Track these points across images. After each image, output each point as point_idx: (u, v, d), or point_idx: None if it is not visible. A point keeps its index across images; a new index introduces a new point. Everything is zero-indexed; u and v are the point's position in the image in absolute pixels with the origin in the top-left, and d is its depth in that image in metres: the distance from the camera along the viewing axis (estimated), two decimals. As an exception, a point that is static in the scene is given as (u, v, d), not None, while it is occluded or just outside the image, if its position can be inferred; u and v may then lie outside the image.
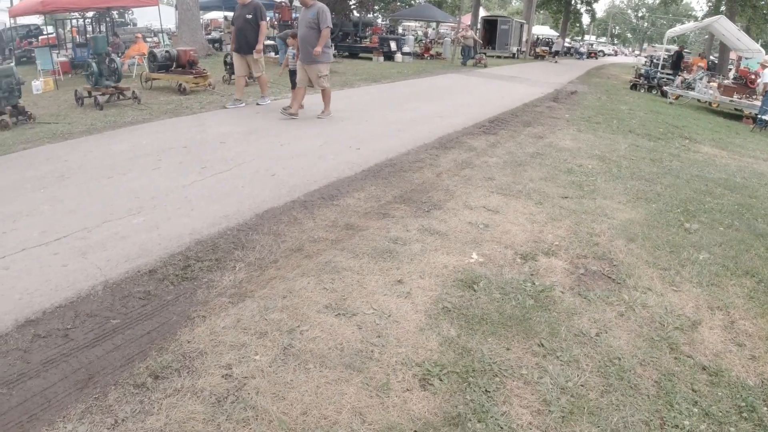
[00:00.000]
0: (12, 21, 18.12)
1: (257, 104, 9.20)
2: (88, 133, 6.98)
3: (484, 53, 25.59)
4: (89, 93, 9.20)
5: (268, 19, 8.34)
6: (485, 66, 22.88)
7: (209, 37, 22.61)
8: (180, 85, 10.26)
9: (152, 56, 10.89)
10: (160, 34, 22.76)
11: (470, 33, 25.20)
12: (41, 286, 3.11)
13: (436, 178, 5.37)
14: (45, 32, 19.43)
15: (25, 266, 3.34)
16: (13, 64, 11.30)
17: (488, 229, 4.14)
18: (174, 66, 10.83)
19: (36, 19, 19.19)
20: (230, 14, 26.44)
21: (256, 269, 3.31)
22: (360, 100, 10.16)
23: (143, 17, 37.73)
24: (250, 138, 6.49)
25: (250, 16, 8.32)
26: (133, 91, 9.09)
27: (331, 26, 7.47)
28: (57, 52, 14.45)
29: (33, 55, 14.39)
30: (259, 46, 8.40)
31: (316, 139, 6.56)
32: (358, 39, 24.13)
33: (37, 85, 11.45)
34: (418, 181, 5.22)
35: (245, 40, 8.45)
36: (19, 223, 4.00)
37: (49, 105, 9.63)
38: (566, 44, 45.77)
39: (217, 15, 31.23)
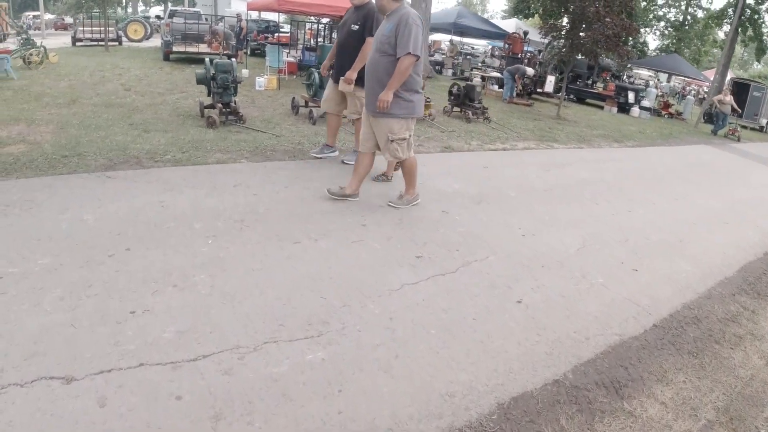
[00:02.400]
0: (257, 14, 19.06)
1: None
2: (291, 157, 5.93)
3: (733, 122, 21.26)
4: (306, 103, 8.41)
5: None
6: (738, 139, 18.84)
7: (431, 59, 21.87)
8: (399, 110, 9.06)
9: (377, 73, 9.90)
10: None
11: (729, 98, 21.10)
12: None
13: (773, 368, 3.14)
14: (280, 30, 20.22)
15: (122, 416, 1.98)
16: (235, 58, 11.14)
17: None
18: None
19: (276, 17, 20.06)
20: (457, 39, 25.65)
21: None
22: (611, 168, 7.98)
23: (373, 29, 39.12)
24: (479, 210, 4.81)
25: (356, 27, 5.16)
26: (350, 110, 8.06)
27: (419, 54, 4.03)
28: (287, 51, 14.49)
29: (266, 49, 14.63)
30: (352, 74, 5.06)
31: (570, 231, 4.65)
32: (589, 83, 21.60)
33: (261, 81, 11.26)
34: (742, 371, 3.06)
35: (345, 60, 5.29)
36: (158, 299, 2.75)
37: (265, 106, 9.09)
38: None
39: (443, 37, 30.75)
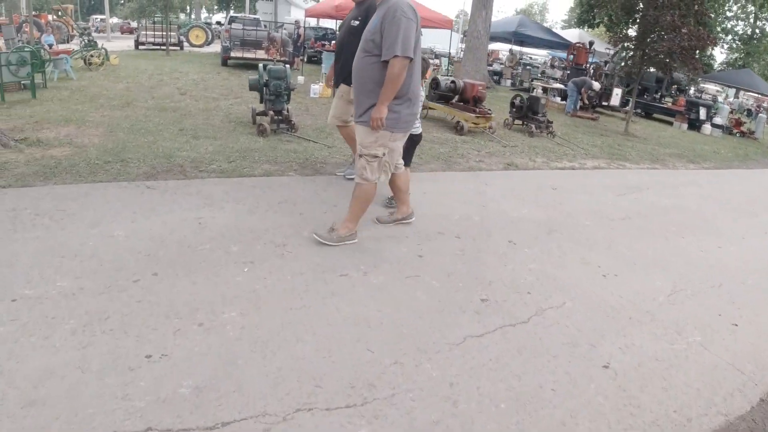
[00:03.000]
0: (316, 22, 18.99)
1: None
2: (342, 168, 5.52)
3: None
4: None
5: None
6: (817, 163, 17.28)
7: (490, 68, 21.22)
8: (458, 122, 8.57)
9: (435, 83, 9.44)
10: (442, 58, 22.21)
11: (808, 118, 19.48)
12: None
13: None
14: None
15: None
16: (291, 64, 10.94)
17: None
18: (456, 99, 9.22)
19: (333, 24, 19.96)
20: (517, 49, 24.88)
21: None
22: (691, 193, 7.20)
23: (427, 38, 38.50)
24: (550, 242, 4.24)
25: (357, 23, 4.35)
26: (405, 121, 7.60)
27: (411, 55, 3.17)
28: (344, 58, 14.23)
29: (322, 56, 14.46)
30: None
31: (656, 271, 4.00)
32: (657, 97, 20.39)
33: (316, 89, 11.01)
34: None
35: (346, 60, 4.31)
36: (180, 341, 2.36)
37: (318, 114, 8.78)
38: None
39: (501, 47, 29.96)
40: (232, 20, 18.78)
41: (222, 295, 2.75)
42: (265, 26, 18.69)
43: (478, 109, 8.66)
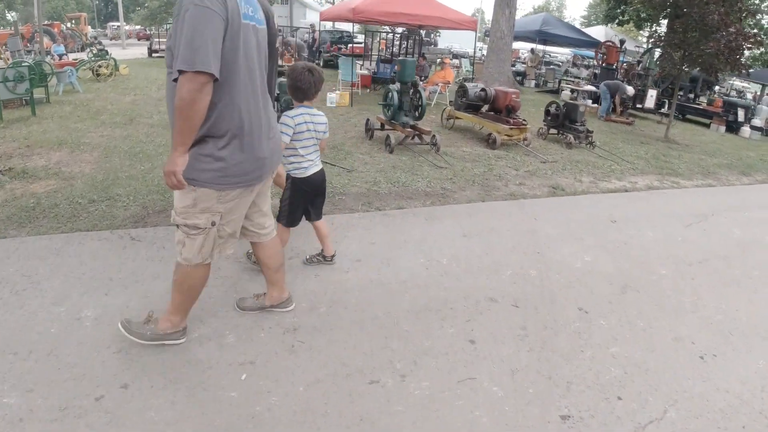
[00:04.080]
0: (331, 25, 18.32)
1: None
2: (364, 204, 4.77)
3: None
4: (382, 126, 7.30)
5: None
6: None
7: (512, 68, 20.27)
8: (490, 135, 7.76)
9: (462, 91, 8.63)
10: (463, 59, 21.37)
11: None
12: None
13: None
14: (354, 41, 19.34)
15: None
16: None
17: None
18: (486, 108, 8.41)
19: (349, 27, 19.23)
20: (540, 48, 23.88)
21: None
22: (762, 219, 6.26)
23: (445, 39, 37.31)
24: (629, 306, 3.42)
25: None
26: (434, 136, 6.85)
27: (207, 68, 1.86)
28: (360, 63, 13.53)
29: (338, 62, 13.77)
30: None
31: (758, 347, 3.14)
32: (691, 98, 19.28)
33: (333, 97, 10.28)
34: None
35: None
36: None
37: (336, 127, 8.04)
38: None
39: (522, 46, 28.90)
40: (245, 25, 18.19)
41: (209, 426, 2.01)
42: (280, 30, 18.03)
43: (511, 120, 7.83)
